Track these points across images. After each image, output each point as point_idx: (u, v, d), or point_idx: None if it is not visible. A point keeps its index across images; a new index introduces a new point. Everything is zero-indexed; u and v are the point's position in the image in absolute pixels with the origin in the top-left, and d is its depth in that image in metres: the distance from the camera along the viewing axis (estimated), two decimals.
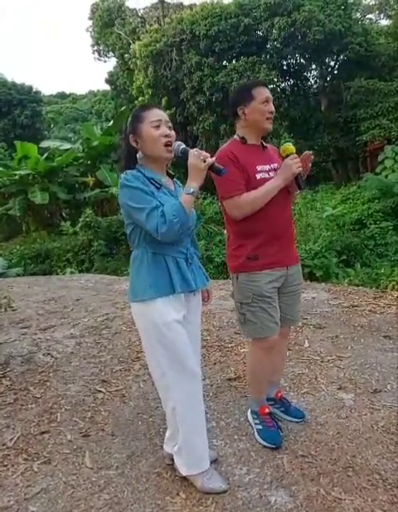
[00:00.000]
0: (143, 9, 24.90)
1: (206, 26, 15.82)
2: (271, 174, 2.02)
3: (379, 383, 2.59)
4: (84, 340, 3.48)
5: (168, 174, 1.90)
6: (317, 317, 3.65)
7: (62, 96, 51.51)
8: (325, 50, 15.42)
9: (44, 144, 17.94)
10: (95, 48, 25.56)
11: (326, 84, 17.24)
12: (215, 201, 11.01)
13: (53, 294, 5.00)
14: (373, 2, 19.91)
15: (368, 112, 14.39)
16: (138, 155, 1.80)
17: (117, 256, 11.15)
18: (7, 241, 16.13)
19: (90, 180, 16.06)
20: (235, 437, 2.19)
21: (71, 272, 9.87)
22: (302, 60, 17.26)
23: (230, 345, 3.25)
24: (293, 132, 14.96)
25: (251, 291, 2.02)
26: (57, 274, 9.82)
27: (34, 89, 30.85)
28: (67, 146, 17.65)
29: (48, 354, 3.21)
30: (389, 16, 19.09)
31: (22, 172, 15.50)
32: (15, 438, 2.27)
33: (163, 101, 16.97)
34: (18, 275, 9.65)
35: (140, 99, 18.26)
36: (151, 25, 20.69)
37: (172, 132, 1.77)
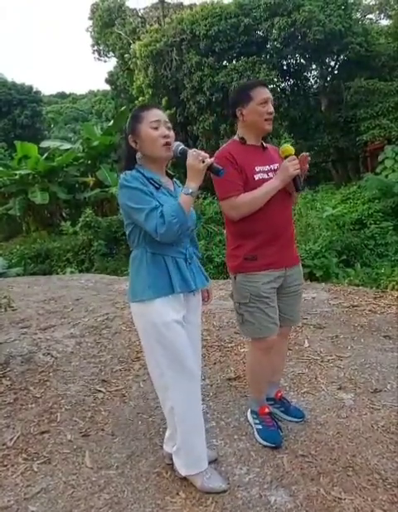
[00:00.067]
0: (143, 9, 24.97)
1: (206, 26, 15.83)
2: (270, 175, 2.01)
3: (379, 382, 2.59)
4: (84, 339, 3.48)
5: (168, 174, 1.89)
6: (317, 317, 3.65)
7: (62, 96, 51.53)
8: (325, 50, 15.43)
9: (44, 144, 17.95)
10: (95, 48, 25.59)
11: (326, 84, 17.25)
12: (216, 201, 11.00)
13: (53, 294, 5.00)
14: (373, 2, 19.96)
15: (368, 112, 14.39)
16: (137, 155, 1.80)
17: (117, 256, 11.14)
18: (7, 241, 16.13)
19: (90, 180, 16.07)
20: (235, 436, 2.19)
21: (71, 272, 9.87)
22: (302, 60, 17.27)
23: (230, 345, 3.25)
24: (293, 132, 14.95)
25: (249, 291, 2.02)
26: (57, 274, 9.83)
27: (34, 89, 30.87)
28: (67, 146, 17.66)
29: (48, 353, 3.21)
30: (389, 16, 19.11)
31: (22, 172, 15.52)
32: (15, 438, 2.27)
33: (163, 101, 16.98)
34: (18, 275, 9.65)
35: (140, 98, 18.28)
36: (151, 25, 20.70)
37: (171, 133, 1.76)
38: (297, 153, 2.01)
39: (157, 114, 1.76)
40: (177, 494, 1.84)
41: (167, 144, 1.74)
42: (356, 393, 2.49)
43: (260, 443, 2.10)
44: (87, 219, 11.71)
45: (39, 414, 2.48)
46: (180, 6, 23.28)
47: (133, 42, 20.18)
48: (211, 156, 1.72)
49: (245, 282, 2.03)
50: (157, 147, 1.73)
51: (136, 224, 1.74)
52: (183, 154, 1.72)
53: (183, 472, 1.86)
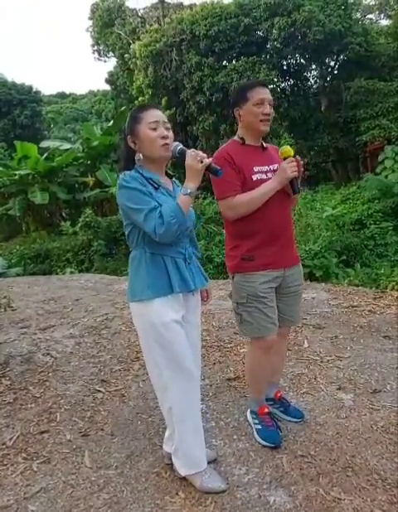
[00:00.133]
0: (143, 9, 24.97)
1: (206, 26, 15.84)
2: (269, 175, 2.01)
3: (378, 383, 2.59)
4: (83, 339, 3.48)
5: (167, 174, 1.90)
6: (316, 317, 3.65)
7: (62, 96, 51.54)
8: (325, 50, 15.43)
9: (44, 144, 17.95)
10: (95, 48, 25.60)
11: (326, 85, 17.25)
12: (215, 201, 10.96)
13: (53, 294, 5.00)
14: (373, 2, 19.95)
15: (368, 112, 14.40)
16: (136, 155, 1.80)
17: (117, 256, 11.14)
18: (7, 241, 16.12)
19: (90, 180, 16.06)
20: (235, 436, 2.19)
21: (71, 272, 9.87)
22: (302, 60, 17.28)
23: (229, 345, 3.25)
24: (293, 132, 14.97)
25: (246, 291, 2.02)
26: (57, 274, 9.83)
27: (34, 89, 30.88)
28: (67, 146, 17.66)
29: (47, 354, 3.21)
30: (389, 17, 19.11)
31: (22, 172, 15.51)
32: (14, 438, 2.27)
33: (163, 101, 16.99)
34: (18, 275, 9.64)
35: (140, 98, 18.28)
36: (151, 25, 20.71)
37: (170, 133, 1.76)
38: (297, 153, 2.01)
39: (155, 115, 1.76)
40: (177, 494, 1.84)
41: (166, 145, 1.74)
42: (356, 394, 2.49)
43: (260, 443, 2.10)
44: (87, 219, 11.71)
45: (38, 414, 2.48)
46: (180, 6, 23.29)
47: (133, 42, 20.19)
48: (210, 157, 1.72)
49: (243, 282, 2.03)
50: (156, 147, 1.73)
51: (135, 225, 1.75)
52: (182, 154, 1.72)
53: (182, 472, 1.86)
